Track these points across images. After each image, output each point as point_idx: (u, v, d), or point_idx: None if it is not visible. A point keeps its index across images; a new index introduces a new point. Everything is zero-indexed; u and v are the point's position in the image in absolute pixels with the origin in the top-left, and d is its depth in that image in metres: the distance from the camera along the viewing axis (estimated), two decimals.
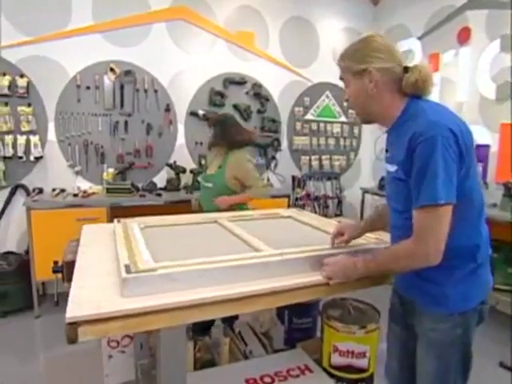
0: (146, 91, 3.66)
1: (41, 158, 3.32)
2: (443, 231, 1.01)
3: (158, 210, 2.59)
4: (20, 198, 3.27)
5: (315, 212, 4.50)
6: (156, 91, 3.70)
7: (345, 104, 4.72)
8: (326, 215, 4.42)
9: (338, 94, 4.66)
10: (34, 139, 3.26)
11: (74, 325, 0.88)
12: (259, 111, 4.21)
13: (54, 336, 2.65)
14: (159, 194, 3.47)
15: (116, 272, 1.13)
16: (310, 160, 4.63)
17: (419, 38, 4.17)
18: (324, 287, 1.20)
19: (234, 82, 4.04)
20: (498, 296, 2.86)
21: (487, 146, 3.45)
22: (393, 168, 1.14)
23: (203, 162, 3.82)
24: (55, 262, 1.59)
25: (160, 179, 3.77)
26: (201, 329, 1.78)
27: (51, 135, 3.37)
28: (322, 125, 4.65)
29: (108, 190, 3.27)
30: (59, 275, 1.49)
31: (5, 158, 3.18)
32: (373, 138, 4.79)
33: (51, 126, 3.36)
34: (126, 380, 1.79)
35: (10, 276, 3.00)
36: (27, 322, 2.94)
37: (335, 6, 4.56)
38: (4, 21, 3.11)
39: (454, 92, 3.80)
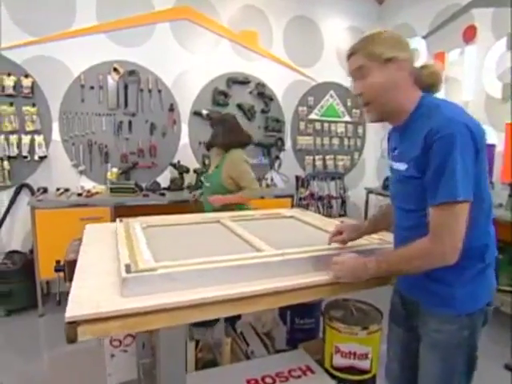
0: (149, 91, 3.66)
1: (45, 157, 3.34)
2: (461, 229, 0.99)
3: (162, 209, 2.60)
4: (24, 198, 3.29)
5: (319, 212, 4.48)
6: (160, 91, 3.71)
7: (349, 104, 4.71)
8: (329, 215, 4.41)
9: (342, 94, 4.65)
10: (39, 139, 3.29)
11: (74, 324, 0.88)
12: (263, 111, 4.21)
13: (57, 335, 2.63)
14: (163, 194, 3.47)
15: (117, 271, 1.13)
16: (314, 160, 4.62)
17: (424, 37, 4.14)
18: (326, 287, 1.19)
19: (238, 81, 4.04)
20: (503, 298, 2.83)
21: (493, 146, 3.42)
22: (403, 166, 1.12)
23: (207, 161, 3.82)
24: (57, 261, 1.60)
25: (163, 179, 3.78)
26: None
27: (55, 135, 3.39)
28: (326, 124, 4.63)
29: (112, 190, 3.28)
30: (61, 274, 1.50)
31: (9, 157, 3.21)
32: (377, 138, 4.77)
33: (55, 126, 3.38)
34: (129, 379, 1.79)
35: (14, 275, 3.02)
36: (31, 320, 2.96)
37: (339, 5, 4.54)
38: (9, 21, 3.13)
39: (459, 91, 3.77)
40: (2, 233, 3.30)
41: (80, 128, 3.45)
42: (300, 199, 4.47)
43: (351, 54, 1.14)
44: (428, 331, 1.15)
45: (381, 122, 1.20)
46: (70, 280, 1.12)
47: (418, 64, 1.16)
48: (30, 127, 3.24)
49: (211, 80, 3.94)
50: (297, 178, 4.51)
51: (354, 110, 4.77)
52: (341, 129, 4.73)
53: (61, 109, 3.38)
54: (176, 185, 3.70)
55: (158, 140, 3.76)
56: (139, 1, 3.56)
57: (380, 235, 1.50)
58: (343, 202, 4.80)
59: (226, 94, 3.98)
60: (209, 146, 2.70)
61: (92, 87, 3.45)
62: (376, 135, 4.79)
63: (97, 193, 3.31)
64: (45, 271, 2.92)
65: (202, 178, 2.80)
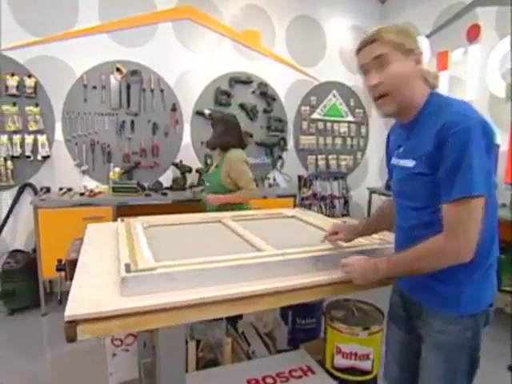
0: (152, 91, 3.67)
1: (48, 157, 3.35)
2: (475, 226, 0.98)
3: (164, 209, 2.60)
4: (28, 197, 3.30)
5: (321, 212, 4.47)
6: (162, 91, 3.71)
7: (352, 104, 4.69)
8: (332, 215, 4.39)
9: (345, 93, 4.63)
10: (42, 139, 3.30)
11: (73, 323, 0.88)
12: (265, 110, 4.20)
13: (59, 334, 2.62)
14: (165, 194, 3.48)
15: (117, 271, 1.13)
16: (317, 159, 4.61)
17: (427, 36, 4.11)
18: (327, 287, 1.19)
19: (240, 81, 4.04)
20: (506, 298, 2.81)
21: (497, 146, 3.39)
22: (410, 163, 1.11)
23: (209, 161, 3.82)
24: (59, 261, 1.60)
25: (166, 178, 3.78)
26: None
27: (58, 135, 3.40)
28: (328, 124, 4.62)
29: (114, 189, 3.29)
30: (63, 273, 1.50)
31: (13, 157, 3.22)
32: (380, 138, 4.74)
33: (58, 126, 3.39)
34: (130, 378, 1.80)
35: (17, 274, 3.04)
36: (34, 319, 2.98)
37: (342, 5, 4.52)
38: (12, 21, 3.15)
39: (462, 90, 3.74)
40: (6, 232, 3.31)
41: (83, 128, 3.46)
42: (302, 199, 4.46)
43: (372, 42, 1.08)
44: (431, 332, 1.14)
45: (394, 116, 1.16)
46: (71, 279, 1.13)
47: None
48: (33, 127, 3.25)
49: (213, 80, 3.94)
50: (299, 177, 4.50)
51: (356, 110, 4.75)
52: (343, 128, 4.72)
53: (64, 109, 3.39)
54: (178, 184, 3.70)
55: (161, 140, 3.76)
56: (141, 1, 3.56)
57: (381, 235, 1.50)
58: (346, 202, 4.78)
59: (228, 94, 3.97)
60: (210, 145, 2.70)
61: (95, 87, 3.46)
62: (379, 135, 4.76)
63: (99, 192, 3.32)
64: (47, 270, 2.93)
65: (203, 178, 2.81)
